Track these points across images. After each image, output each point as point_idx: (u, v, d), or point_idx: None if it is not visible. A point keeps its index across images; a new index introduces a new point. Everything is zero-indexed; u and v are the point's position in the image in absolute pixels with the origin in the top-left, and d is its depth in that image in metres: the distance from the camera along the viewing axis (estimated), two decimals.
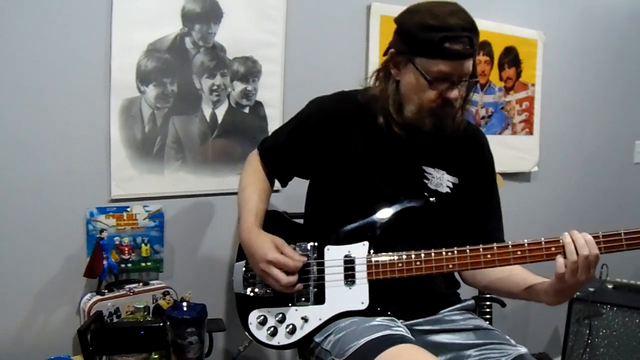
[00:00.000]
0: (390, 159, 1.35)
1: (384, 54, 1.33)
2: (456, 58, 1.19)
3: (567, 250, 1.14)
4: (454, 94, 1.23)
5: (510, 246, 1.19)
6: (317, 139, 1.38)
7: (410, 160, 1.35)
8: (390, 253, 1.26)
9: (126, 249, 1.59)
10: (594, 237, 1.14)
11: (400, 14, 1.29)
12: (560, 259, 1.14)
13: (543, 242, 1.17)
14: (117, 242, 1.58)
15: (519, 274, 1.31)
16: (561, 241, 1.15)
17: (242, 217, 1.38)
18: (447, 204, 1.36)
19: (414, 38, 1.22)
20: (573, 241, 1.13)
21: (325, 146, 1.37)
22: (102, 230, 1.55)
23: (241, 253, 1.40)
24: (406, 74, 1.27)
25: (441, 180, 1.36)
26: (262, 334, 1.32)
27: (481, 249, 1.21)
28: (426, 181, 1.35)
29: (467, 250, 1.21)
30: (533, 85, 2.47)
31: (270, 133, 1.73)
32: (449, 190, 1.36)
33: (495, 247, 1.20)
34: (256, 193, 1.41)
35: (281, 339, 1.30)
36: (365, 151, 1.35)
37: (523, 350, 1.24)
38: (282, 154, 1.46)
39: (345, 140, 1.36)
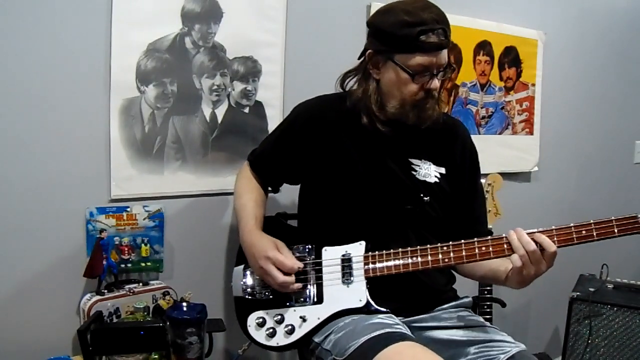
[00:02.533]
0: (376, 155, 1.37)
1: (360, 57, 1.39)
2: (433, 50, 1.26)
3: (513, 246, 1.20)
4: (434, 84, 1.29)
5: (504, 238, 1.22)
6: (304, 143, 1.41)
7: (396, 154, 1.38)
8: (386, 250, 1.28)
9: (126, 249, 1.59)
10: (547, 232, 1.19)
11: (372, 16, 1.36)
12: (514, 255, 1.20)
13: (536, 233, 1.20)
14: (117, 242, 1.58)
15: (501, 265, 1.34)
16: (505, 238, 1.22)
17: (242, 222, 1.40)
18: (437, 194, 1.39)
19: (392, 36, 1.27)
20: (518, 238, 1.19)
21: (313, 149, 1.40)
22: (102, 230, 1.55)
23: (240, 257, 1.41)
24: (386, 71, 1.32)
25: (429, 171, 1.40)
26: (260, 336, 1.32)
27: (476, 242, 1.24)
28: (414, 173, 1.38)
29: (462, 244, 1.24)
30: (533, 85, 2.47)
31: (270, 132, 1.73)
32: (437, 180, 1.39)
33: (489, 240, 1.24)
34: (252, 200, 1.45)
35: (280, 339, 1.30)
36: (352, 150, 1.37)
37: (522, 347, 1.24)
38: (271, 161, 1.49)
39: (331, 141, 1.38)
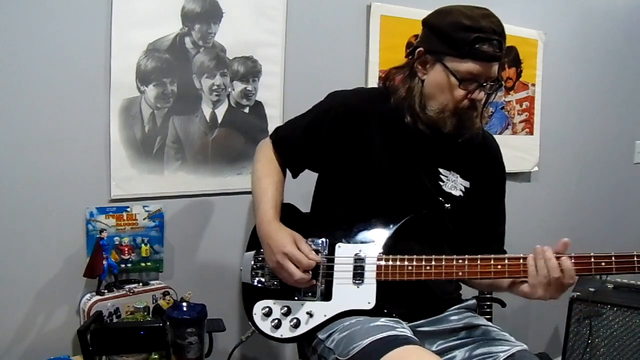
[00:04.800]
0: (408, 158, 1.34)
1: (408, 55, 1.34)
2: (486, 60, 1.23)
3: (538, 267, 1.16)
4: (480, 95, 1.26)
5: (521, 259, 1.19)
6: (336, 134, 1.36)
7: (427, 161, 1.35)
8: (400, 256, 1.26)
9: (126, 249, 1.59)
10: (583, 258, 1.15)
11: (430, 14, 1.31)
12: (536, 278, 1.16)
13: (562, 257, 1.16)
14: (117, 242, 1.58)
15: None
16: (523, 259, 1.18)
17: (260, 209, 1.35)
18: (459, 208, 1.36)
19: (446, 37, 1.24)
20: (545, 261, 1.16)
21: (344, 142, 1.36)
22: (102, 231, 1.55)
23: (252, 243, 1.38)
24: (433, 73, 1.28)
25: (455, 184, 1.37)
26: (265, 326, 1.31)
27: (492, 260, 1.20)
28: (441, 183, 1.36)
29: (478, 260, 1.21)
30: (533, 85, 2.47)
31: (270, 132, 1.73)
32: (461, 194, 1.37)
33: (506, 259, 1.20)
34: (273, 185, 1.39)
35: (285, 332, 1.29)
36: (383, 150, 1.34)
37: (523, 346, 1.24)
38: (297, 146, 1.43)
39: (364, 137, 1.35)
